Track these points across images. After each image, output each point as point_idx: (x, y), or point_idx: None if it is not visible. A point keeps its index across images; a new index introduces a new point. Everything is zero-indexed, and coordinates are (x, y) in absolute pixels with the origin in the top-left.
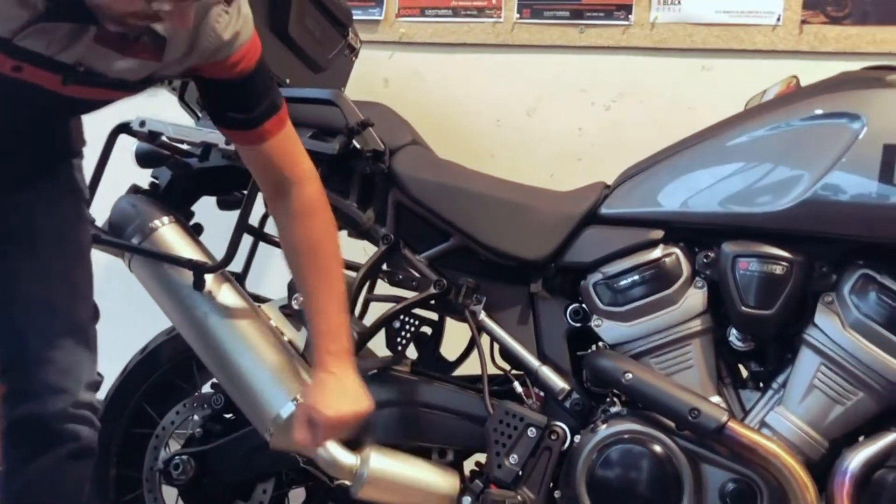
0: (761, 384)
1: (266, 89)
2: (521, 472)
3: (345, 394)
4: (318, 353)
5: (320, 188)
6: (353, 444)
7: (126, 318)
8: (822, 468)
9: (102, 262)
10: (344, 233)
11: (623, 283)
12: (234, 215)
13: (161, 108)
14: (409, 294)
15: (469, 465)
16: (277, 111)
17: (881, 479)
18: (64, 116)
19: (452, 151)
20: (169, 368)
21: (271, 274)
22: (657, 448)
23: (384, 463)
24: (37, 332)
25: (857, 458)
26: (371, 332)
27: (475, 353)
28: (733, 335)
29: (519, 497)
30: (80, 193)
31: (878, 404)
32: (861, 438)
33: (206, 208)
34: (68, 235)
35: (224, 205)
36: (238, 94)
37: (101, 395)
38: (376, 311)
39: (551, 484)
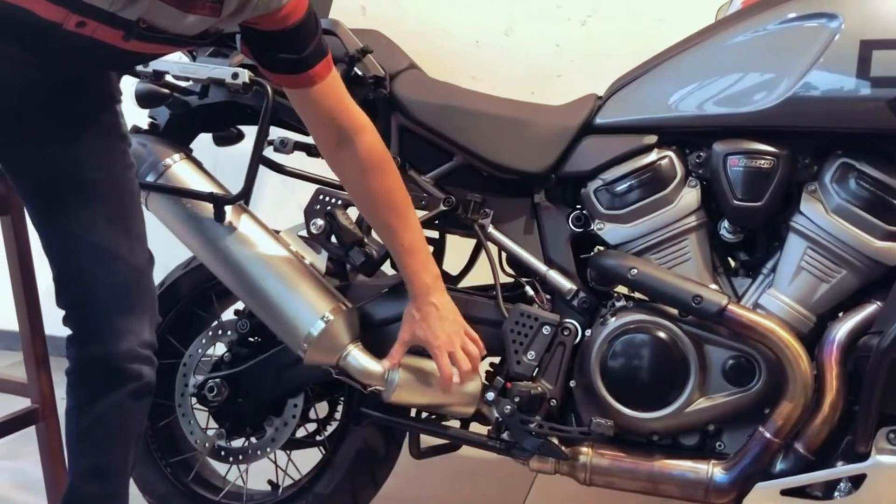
0: (750, 271)
1: (314, 34)
2: (538, 367)
3: (448, 318)
4: (417, 287)
5: (379, 138)
6: (380, 355)
7: None
8: (811, 340)
9: None
10: None
11: (622, 187)
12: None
13: None
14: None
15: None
16: (326, 54)
17: (864, 344)
18: (119, 68)
19: (433, 75)
20: (189, 300)
21: (264, 201)
22: (663, 334)
23: (412, 367)
24: (100, 276)
25: (842, 329)
26: (387, 253)
27: (476, 265)
28: (724, 228)
29: (539, 388)
30: (125, 138)
31: (859, 280)
32: (841, 314)
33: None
34: (121, 181)
35: (220, 140)
36: (289, 40)
37: None
38: None
39: (567, 375)
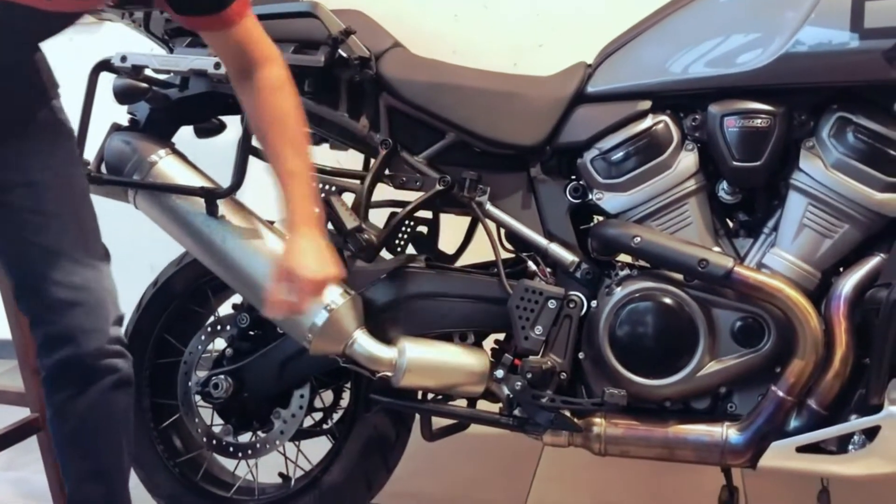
0: (750, 232)
1: None
2: (546, 341)
3: (319, 256)
4: (292, 216)
5: (286, 68)
6: (385, 340)
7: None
8: (817, 296)
9: None
10: (326, 145)
11: (618, 155)
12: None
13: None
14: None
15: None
16: None
17: (872, 297)
18: (41, 38)
19: (413, 51)
20: (184, 297)
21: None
22: (670, 300)
23: (419, 350)
24: (57, 279)
25: (848, 283)
26: (389, 235)
27: (472, 244)
28: (722, 190)
29: (549, 362)
30: (70, 134)
31: (862, 233)
32: (841, 269)
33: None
34: (69, 179)
35: (202, 132)
36: None
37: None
38: (374, 215)
39: (575, 347)
